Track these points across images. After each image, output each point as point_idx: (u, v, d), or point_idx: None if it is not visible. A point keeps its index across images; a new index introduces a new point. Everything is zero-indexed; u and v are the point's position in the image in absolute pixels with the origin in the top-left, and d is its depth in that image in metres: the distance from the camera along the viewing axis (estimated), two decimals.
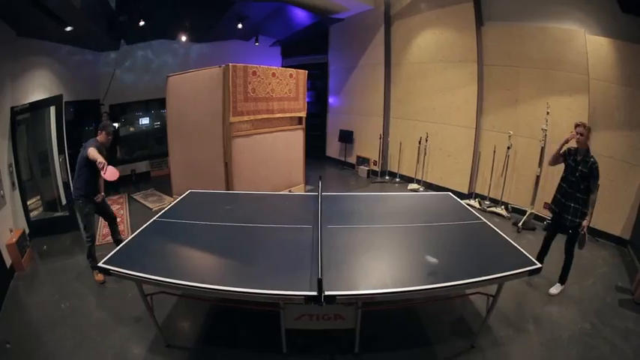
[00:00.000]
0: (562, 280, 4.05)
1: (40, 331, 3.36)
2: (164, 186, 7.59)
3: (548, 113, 5.62)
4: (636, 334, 3.36)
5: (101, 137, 4.20)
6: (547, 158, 4.28)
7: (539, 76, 6.02)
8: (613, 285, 4.23)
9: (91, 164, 3.96)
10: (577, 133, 3.77)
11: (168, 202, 6.34)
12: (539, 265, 2.74)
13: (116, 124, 8.49)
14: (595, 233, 5.49)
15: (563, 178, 3.99)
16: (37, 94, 5.68)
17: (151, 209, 6.65)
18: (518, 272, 2.69)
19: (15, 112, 5.11)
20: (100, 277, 4.23)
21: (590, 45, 5.36)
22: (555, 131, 5.72)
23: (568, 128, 5.57)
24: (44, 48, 6.13)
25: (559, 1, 5.63)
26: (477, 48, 6.71)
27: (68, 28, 5.38)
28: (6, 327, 3.41)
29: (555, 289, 4.03)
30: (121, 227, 5.53)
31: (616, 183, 5.26)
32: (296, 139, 6.75)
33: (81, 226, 4.29)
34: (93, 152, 3.88)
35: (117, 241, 4.56)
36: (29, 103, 5.35)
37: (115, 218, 4.70)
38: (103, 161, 3.70)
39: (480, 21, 6.67)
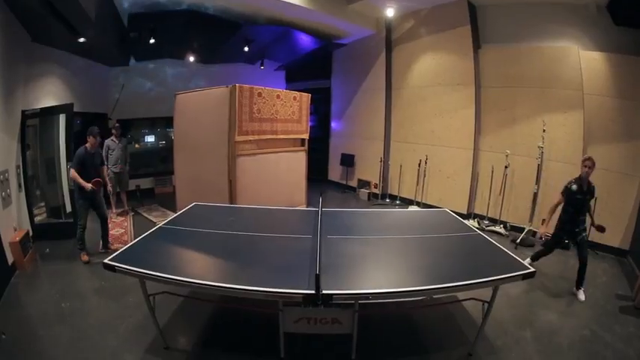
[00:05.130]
0: (581, 284, 4.19)
1: (37, 327, 3.40)
2: (167, 203, 7.77)
3: (544, 131, 5.76)
4: (639, 338, 3.38)
5: (91, 141, 4.72)
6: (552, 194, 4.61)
7: (534, 95, 6.21)
8: (613, 293, 4.26)
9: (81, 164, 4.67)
10: (586, 167, 4.05)
11: None
12: (532, 269, 2.79)
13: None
14: (594, 246, 5.50)
15: (567, 212, 4.19)
16: (47, 101, 5.81)
17: (155, 223, 6.71)
18: (512, 276, 2.75)
19: (25, 115, 5.19)
20: (85, 257, 4.68)
21: (584, 60, 5.56)
22: (552, 148, 5.87)
23: (563, 145, 5.76)
24: (57, 56, 6.30)
25: (552, 19, 5.87)
26: (475, 71, 6.93)
27: (81, 39, 5.55)
28: (3, 319, 3.46)
29: (582, 296, 4.14)
30: (125, 238, 5.65)
31: (613, 195, 5.34)
32: (298, 160, 6.85)
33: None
34: (72, 174, 4.61)
35: (104, 245, 4.85)
36: (40, 109, 5.44)
37: (106, 219, 4.90)
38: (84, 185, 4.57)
39: (477, 44, 6.93)
